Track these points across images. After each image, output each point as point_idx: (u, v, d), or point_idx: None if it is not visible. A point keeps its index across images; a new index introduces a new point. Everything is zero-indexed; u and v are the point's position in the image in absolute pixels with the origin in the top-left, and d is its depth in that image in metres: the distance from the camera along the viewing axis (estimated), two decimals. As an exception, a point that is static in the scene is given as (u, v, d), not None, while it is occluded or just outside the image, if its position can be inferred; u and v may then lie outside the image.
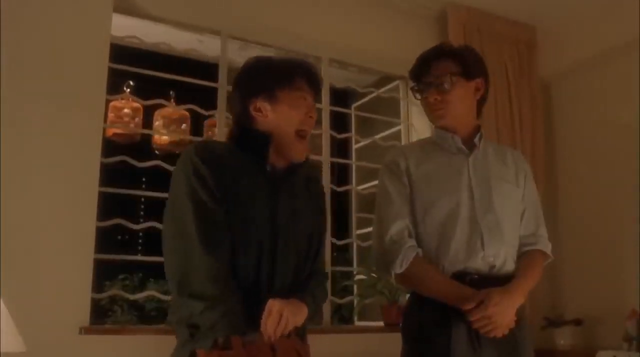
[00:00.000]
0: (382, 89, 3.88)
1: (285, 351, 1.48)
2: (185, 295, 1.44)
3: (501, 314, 1.69)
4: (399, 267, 1.76)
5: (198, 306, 1.41)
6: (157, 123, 4.01)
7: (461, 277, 1.76)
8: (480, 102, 1.95)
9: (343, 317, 4.31)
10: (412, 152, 1.93)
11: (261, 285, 1.50)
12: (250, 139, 1.58)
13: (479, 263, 1.78)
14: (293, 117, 1.56)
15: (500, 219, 1.82)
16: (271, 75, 1.58)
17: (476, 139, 1.90)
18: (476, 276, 1.76)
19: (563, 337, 3.47)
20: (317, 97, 1.65)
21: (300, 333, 1.57)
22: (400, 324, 1.90)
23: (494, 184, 1.86)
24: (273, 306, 1.42)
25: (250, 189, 1.52)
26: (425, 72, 1.89)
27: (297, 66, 1.62)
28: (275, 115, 1.56)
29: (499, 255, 1.80)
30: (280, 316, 1.41)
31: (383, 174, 1.91)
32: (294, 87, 1.57)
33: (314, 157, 3.67)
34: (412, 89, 1.96)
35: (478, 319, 1.68)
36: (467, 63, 1.88)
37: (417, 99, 1.95)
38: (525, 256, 1.89)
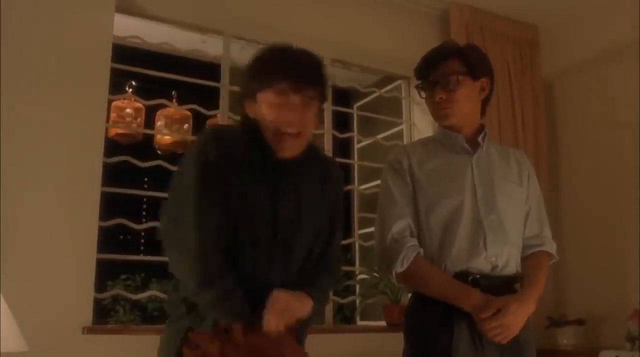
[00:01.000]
0: (384, 89, 3.87)
1: (292, 348, 1.46)
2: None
3: (516, 323, 1.70)
4: (400, 267, 1.75)
5: (191, 283, 1.42)
6: (159, 123, 4.02)
7: (463, 276, 1.76)
8: (485, 102, 1.95)
9: (345, 317, 4.31)
10: (415, 151, 1.92)
11: (261, 276, 1.48)
12: (251, 132, 1.56)
13: (481, 263, 1.77)
14: (268, 118, 1.51)
15: (503, 219, 1.82)
16: (255, 79, 1.55)
17: (480, 138, 1.89)
18: (478, 276, 1.76)
19: (566, 337, 3.47)
20: (311, 90, 1.54)
21: (299, 335, 1.55)
22: (403, 324, 1.90)
23: (498, 184, 1.86)
24: (278, 296, 1.40)
25: (253, 181, 1.50)
26: (431, 71, 1.88)
27: (280, 66, 1.54)
28: (259, 115, 1.54)
29: (502, 255, 1.79)
30: (284, 307, 1.39)
31: (386, 172, 1.91)
32: (273, 90, 1.51)
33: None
34: (417, 87, 1.95)
35: (493, 327, 1.68)
36: (473, 63, 1.87)
37: (422, 98, 1.94)
38: (531, 258, 1.88)
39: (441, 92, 1.85)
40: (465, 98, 1.86)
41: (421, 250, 1.78)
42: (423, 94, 1.92)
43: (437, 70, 1.87)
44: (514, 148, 2.11)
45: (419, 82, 1.93)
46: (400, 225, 1.80)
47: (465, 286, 1.73)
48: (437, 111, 1.89)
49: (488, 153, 1.91)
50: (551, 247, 1.92)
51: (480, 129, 1.92)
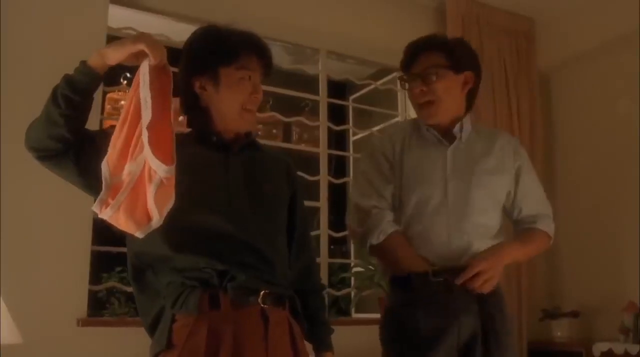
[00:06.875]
0: (380, 81, 3.87)
1: (278, 320, 1.45)
2: None
3: (491, 270, 1.73)
4: (375, 239, 1.78)
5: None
6: (154, 115, 3.99)
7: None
8: (471, 95, 1.93)
9: (340, 309, 4.31)
10: (396, 139, 1.92)
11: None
12: (195, 117, 1.58)
13: (445, 255, 1.77)
14: (235, 99, 1.52)
15: (472, 212, 1.80)
16: (215, 53, 1.53)
17: (455, 130, 1.87)
18: (444, 272, 1.75)
19: (560, 329, 3.48)
20: (267, 71, 1.59)
21: (295, 308, 1.53)
22: None
23: (475, 176, 1.83)
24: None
25: (200, 162, 1.49)
26: (413, 63, 1.88)
27: (243, 42, 1.54)
28: (218, 96, 1.53)
29: (467, 248, 1.78)
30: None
31: (367, 156, 1.94)
32: (238, 66, 1.52)
33: (311, 149, 3.67)
34: (399, 78, 1.96)
35: (468, 282, 1.72)
36: (456, 56, 1.85)
37: (404, 89, 1.95)
38: (521, 232, 1.94)
39: (421, 84, 1.85)
40: (445, 91, 1.84)
41: (399, 228, 1.81)
42: (405, 86, 1.92)
43: (418, 62, 1.87)
44: (506, 134, 2.05)
45: (402, 73, 1.93)
46: (376, 200, 1.83)
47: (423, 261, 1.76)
48: (418, 103, 1.89)
49: (469, 143, 1.89)
50: (545, 226, 1.94)
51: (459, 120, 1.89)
